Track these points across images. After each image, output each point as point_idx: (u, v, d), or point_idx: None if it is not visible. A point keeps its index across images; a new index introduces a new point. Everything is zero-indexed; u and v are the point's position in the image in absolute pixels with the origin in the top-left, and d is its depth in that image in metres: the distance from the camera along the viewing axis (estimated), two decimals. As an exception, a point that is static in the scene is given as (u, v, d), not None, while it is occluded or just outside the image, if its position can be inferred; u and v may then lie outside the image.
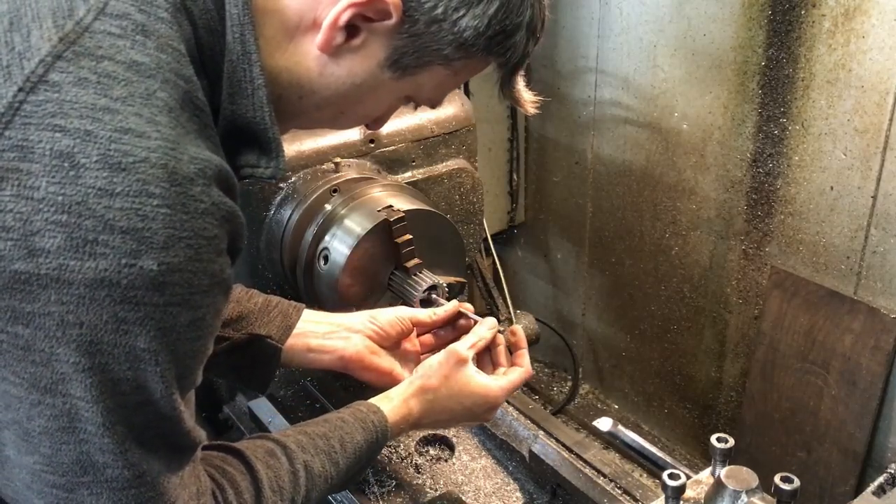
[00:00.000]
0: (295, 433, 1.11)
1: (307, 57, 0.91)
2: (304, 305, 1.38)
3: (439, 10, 0.89)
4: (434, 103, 1.04)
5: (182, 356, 0.80)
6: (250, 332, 1.29)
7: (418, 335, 1.43)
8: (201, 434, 0.88)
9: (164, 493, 0.83)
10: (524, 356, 1.34)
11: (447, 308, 1.40)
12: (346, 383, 1.63)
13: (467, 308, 1.41)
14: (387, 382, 1.35)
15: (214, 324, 0.83)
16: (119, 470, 0.79)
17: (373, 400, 1.23)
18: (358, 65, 0.92)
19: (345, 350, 1.33)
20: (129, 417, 0.78)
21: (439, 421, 1.29)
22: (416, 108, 1.06)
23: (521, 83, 1.05)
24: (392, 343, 1.38)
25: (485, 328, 1.33)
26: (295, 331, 1.32)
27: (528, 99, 1.07)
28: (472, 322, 1.39)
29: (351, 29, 0.89)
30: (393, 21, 0.88)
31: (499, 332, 1.34)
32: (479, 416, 1.30)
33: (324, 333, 1.34)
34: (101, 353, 0.74)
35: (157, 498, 0.82)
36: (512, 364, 1.34)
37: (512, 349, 1.35)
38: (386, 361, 1.36)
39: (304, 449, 1.08)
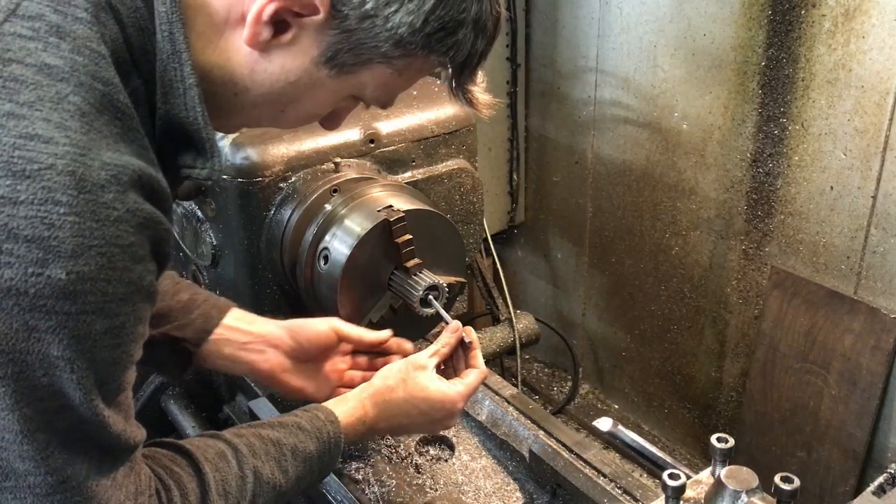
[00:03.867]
0: (248, 434, 1.09)
1: (238, 53, 0.88)
2: (232, 305, 1.35)
3: (369, 6, 0.86)
4: (383, 103, 1.01)
5: (101, 363, 0.78)
6: (166, 332, 1.26)
7: (353, 352, 1.41)
8: (136, 435, 0.86)
9: (92, 497, 0.81)
10: (478, 356, 1.31)
11: (378, 335, 1.39)
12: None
13: (406, 348, 1.39)
14: (297, 398, 1.34)
15: (136, 330, 0.81)
16: (41, 476, 0.78)
17: (329, 403, 1.21)
18: (290, 61, 0.89)
19: (255, 364, 1.32)
20: (50, 423, 0.77)
21: (397, 426, 1.26)
22: (367, 106, 1.02)
23: (476, 83, 1.00)
24: (312, 357, 1.37)
25: (448, 333, 1.30)
26: (214, 335, 1.30)
27: (482, 101, 1.03)
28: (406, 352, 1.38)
29: (280, 24, 0.87)
30: (321, 16, 0.86)
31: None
32: (438, 422, 1.27)
33: (241, 343, 1.32)
34: (15, 362, 0.73)
35: (84, 501, 0.81)
36: (467, 365, 1.31)
37: (464, 350, 1.33)
38: (297, 380, 1.35)
39: (255, 453, 1.06)
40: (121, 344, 0.79)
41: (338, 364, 1.40)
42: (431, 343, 1.67)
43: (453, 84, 0.99)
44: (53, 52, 0.76)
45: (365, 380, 1.34)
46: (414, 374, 1.24)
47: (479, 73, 1.01)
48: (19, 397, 0.74)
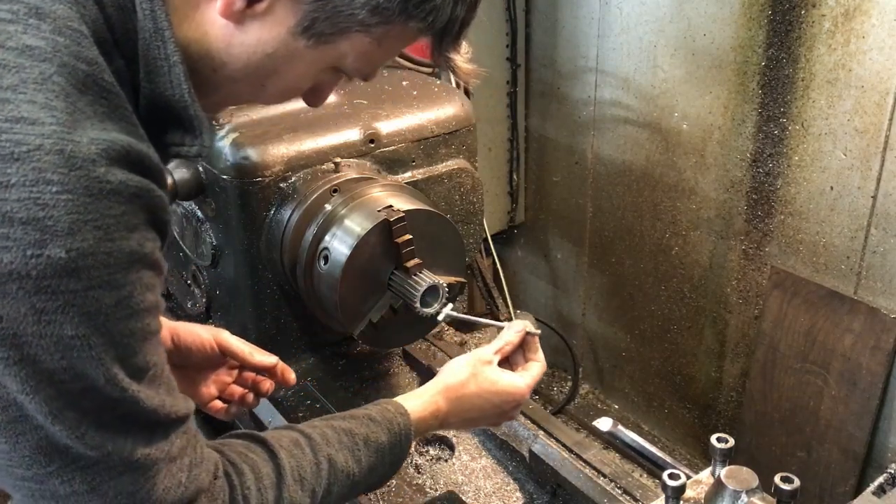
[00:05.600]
0: (322, 425, 1.10)
1: (213, 26, 0.87)
2: None
3: None
4: (364, 75, 0.99)
5: (117, 336, 0.77)
6: None
7: (240, 369, 1.35)
8: (181, 407, 0.86)
9: (139, 468, 0.81)
10: (538, 349, 1.34)
11: (264, 359, 1.32)
12: (345, 383, 1.63)
13: (289, 378, 1.35)
14: None
15: (146, 299, 0.80)
16: (82, 450, 0.78)
17: (400, 399, 1.22)
18: (267, 32, 0.88)
19: None
20: (77, 403, 0.77)
21: (468, 419, 1.28)
22: (349, 79, 1.00)
23: (459, 53, 0.98)
24: (192, 364, 1.29)
25: (512, 332, 1.33)
26: None
27: (466, 69, 1.01)
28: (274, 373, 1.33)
29: None
30: None
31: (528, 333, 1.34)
32: (506, 414, 1.30)
33: None
34: (28, 345, 0.73)
35: (133, 471, 0.81)
36: (527, 359, 1.34)
37: (523, 345, 1.35)
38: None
39: (328, 442, 1.07)
40: (133, 314, 0.79)
41: (223, 376, 1.34)
42: (431, 343, 1.67)
43: (432, 51, 0.97)
44: (34, 33, 0.76)
45: (244, 400, 1.32)
46: (482, 368, 1.27)
47: (464, 43, 0.99)
48: (40, 379, 0.74)
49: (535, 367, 1.32)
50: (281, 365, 1.34)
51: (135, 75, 0.86)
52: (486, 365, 1.28)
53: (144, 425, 0.83)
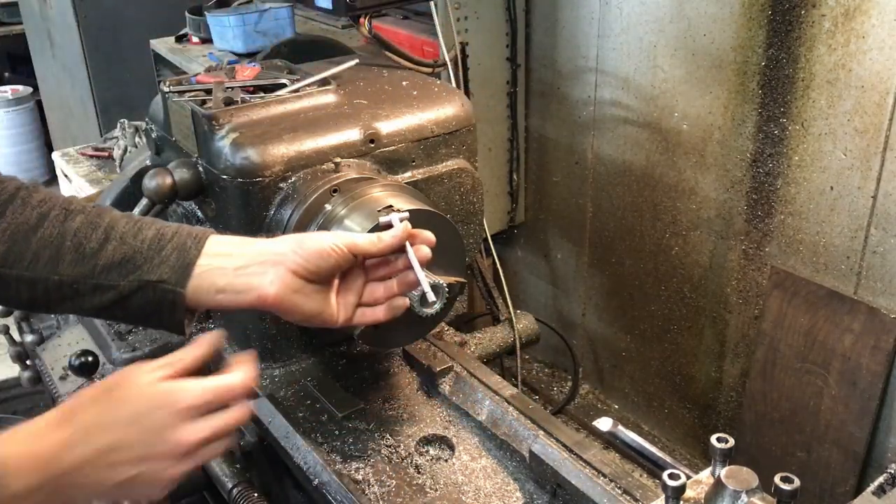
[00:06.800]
0: None
1: None
2: (210, 231, 1.15)
3: None
4: None
5: None
6: (139, 278, 1.08)
7: (364, 265, 1.23)
8: None
9: None
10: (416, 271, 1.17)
11: (396, 232, 1.19)
12: (345, 383, 1.63)
13: (427, 236, 1.22)
14: (314, 325, 1.18)
15: None
16: None
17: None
18: None
19: (260, 288, 1.10)
20: None
21: (96, 454, 0.89)
22: None
23: None
24: (325, 277, 1.16)
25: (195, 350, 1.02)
26: (199, 268, 1.09)
27: None
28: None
29: None
30: None
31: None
32: (159, 435, 0.91)
33: (235, 269, 1.11)
34: None
35: None
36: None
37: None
38: (311, 303, 1.14)
39: None
40: None
41: (354, 279, 1.22)
42: (432, 343, 1.67)
43: None
44: None
45: (388, 291, 1.21)
46: (130, 373, 0.97)
47: None
48: None
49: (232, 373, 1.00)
50: (416, 232, 1.20)
51: None
52: (139, 371, 0.96)
53: None
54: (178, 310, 1.11)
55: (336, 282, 1.20)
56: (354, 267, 1.21)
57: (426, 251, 1.22)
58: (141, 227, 1.13)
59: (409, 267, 1.21)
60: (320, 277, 1.16)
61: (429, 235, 1.25)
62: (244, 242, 1.17)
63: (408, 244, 1.21)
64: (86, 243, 1.11)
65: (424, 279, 1.22)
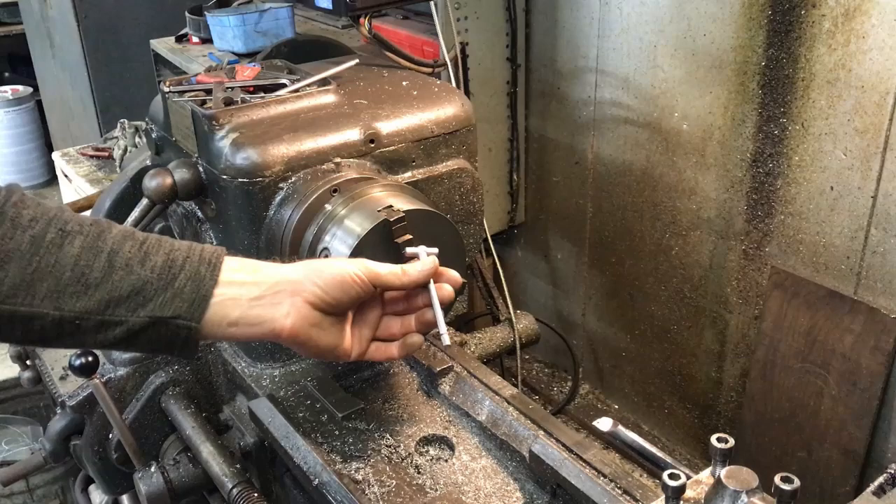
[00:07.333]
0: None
1: None
2: (223, 253, 1.06)
3: None
4: None
5: None
6: (151, 314, 1.00)
7: (383, 297, 1.18)
8: None
9: None
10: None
11: (423, 267, 1.14)
12: (345, 383, 1.63)
13: (454, 276, 1.17)
14: (329, 360, 1.15)
15: None
16: None
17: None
18: None
19: (274, 321, 1.05)
20: None
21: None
22: None
23: None
24: (343, 309, 1.11)
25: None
26: (214, 298, 1.02)
27: None
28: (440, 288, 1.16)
29: None
30: None
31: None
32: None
33: (249, 300, 1.04)
34: None
35: None
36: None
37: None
38: (327, 337, 1.10)
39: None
40: None
41: (371, 311, 1.17)
42: (431, 343, 1.67)
43: None
44: None
45: (405, 327, 1.17)
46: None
47: None
48: None
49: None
50: (440, 269, 1.14)
51: None
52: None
53: None
54: (191, 344, 1.05)
55: (351, 313, 1.14)
56: (373, 297, 1.16)
57: (449, 291, 1.17)
58: (148, 253, 1.02)
59: (429, 305, 1.16)
60: (338, 309, 1.10)
61: (455, 275, 1.19)
62: (258, 268, 1.09)
63: (431, 282, 1.16)
64: (88, 273, 0.98)
65: (443, 322, 1.17)
